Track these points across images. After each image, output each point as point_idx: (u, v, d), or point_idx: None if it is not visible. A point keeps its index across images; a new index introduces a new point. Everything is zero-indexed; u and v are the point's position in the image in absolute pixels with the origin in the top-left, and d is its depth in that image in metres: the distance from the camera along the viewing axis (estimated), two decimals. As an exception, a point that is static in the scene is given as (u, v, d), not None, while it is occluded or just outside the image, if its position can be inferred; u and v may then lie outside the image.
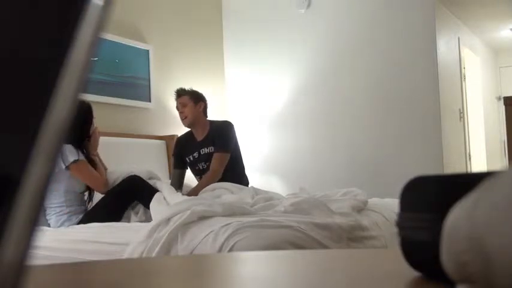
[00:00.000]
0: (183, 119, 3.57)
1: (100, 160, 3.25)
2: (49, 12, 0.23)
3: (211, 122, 3.65)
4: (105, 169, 3.25)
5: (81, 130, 3.08)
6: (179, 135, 3.87)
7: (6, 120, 0.22)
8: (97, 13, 0.23)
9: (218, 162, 3.47)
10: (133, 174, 3.14)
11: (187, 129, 3.71)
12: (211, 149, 3.54)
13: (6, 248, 0.21)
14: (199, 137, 3.61)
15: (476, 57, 6.72)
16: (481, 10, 5.68)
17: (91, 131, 3.15)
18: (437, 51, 4.47)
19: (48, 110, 0.22)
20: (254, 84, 5.19)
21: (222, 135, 3.55)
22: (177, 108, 3.62)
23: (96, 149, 3.20)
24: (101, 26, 0.23)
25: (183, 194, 3.09)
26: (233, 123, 3.72)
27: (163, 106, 4.54)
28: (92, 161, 3.11)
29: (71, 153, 2.92)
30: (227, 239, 2.10)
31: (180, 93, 3.62)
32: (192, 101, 3.56)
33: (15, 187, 0.21)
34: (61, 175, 2.95)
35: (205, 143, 3.57)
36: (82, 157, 2.99)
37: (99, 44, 0.23)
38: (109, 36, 4.05)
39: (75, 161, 2.93)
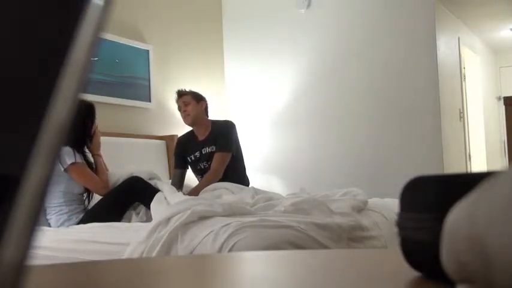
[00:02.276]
0: (186, 116, 3.57)
1: (103, 161, 3.24)
2: (49, 13, 0.23)
3: (213, 121, 3.65)
4: (106, 170, 3.25)
5: (82, 130, 3.07)
6: (180, 135, 3.86)
7: (6, 120, 0.22)
8: (97, 13, 0.23)
9: (219, 162, 3.47)
10: (134, 175, 3.14)
11: (188, 129, 3.70)
12: (212, 148, 3.54)
13: (6, 248, 0.21)
14: (201, 136, 3.61)
15: (476, 57, 6.72)
16: (481, 10, 5.68)
17: (92, 131, 3.14)
18: (437, 51, 4.47)
19: (48, 110, 0.22)
20: (254, 84, 5.19)
21: (223, 135, 3.55)
22: (179, 108, 3.61)
23: (99, 149, 3.19)
24: (101, 26, 0.23)
25: (183, 194, 3.08)
26: (235, 123, 3.72)
27: (163, 106, 4.54)
28: (94, 162, 3.11)
29: (68, 156, 2.91)
30: (227, 239, 2.10)
31: (182, 93, 3.62)
32: (194, 100, 3.57)
33: (15, 187, 0.21)
34: (59, 177, 2.94)
35: (207, 142, 3.57)
36: (79, 159, 2.98)
37: (99, 44, 0.23)
38: (109, 36, 4.05)
39: (72, 164, 2.92)
